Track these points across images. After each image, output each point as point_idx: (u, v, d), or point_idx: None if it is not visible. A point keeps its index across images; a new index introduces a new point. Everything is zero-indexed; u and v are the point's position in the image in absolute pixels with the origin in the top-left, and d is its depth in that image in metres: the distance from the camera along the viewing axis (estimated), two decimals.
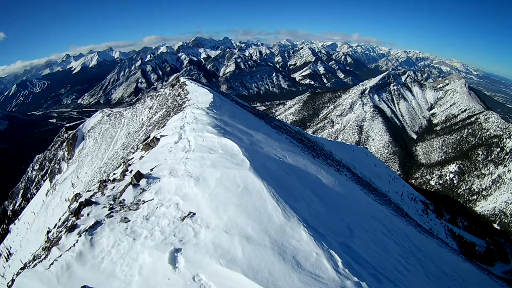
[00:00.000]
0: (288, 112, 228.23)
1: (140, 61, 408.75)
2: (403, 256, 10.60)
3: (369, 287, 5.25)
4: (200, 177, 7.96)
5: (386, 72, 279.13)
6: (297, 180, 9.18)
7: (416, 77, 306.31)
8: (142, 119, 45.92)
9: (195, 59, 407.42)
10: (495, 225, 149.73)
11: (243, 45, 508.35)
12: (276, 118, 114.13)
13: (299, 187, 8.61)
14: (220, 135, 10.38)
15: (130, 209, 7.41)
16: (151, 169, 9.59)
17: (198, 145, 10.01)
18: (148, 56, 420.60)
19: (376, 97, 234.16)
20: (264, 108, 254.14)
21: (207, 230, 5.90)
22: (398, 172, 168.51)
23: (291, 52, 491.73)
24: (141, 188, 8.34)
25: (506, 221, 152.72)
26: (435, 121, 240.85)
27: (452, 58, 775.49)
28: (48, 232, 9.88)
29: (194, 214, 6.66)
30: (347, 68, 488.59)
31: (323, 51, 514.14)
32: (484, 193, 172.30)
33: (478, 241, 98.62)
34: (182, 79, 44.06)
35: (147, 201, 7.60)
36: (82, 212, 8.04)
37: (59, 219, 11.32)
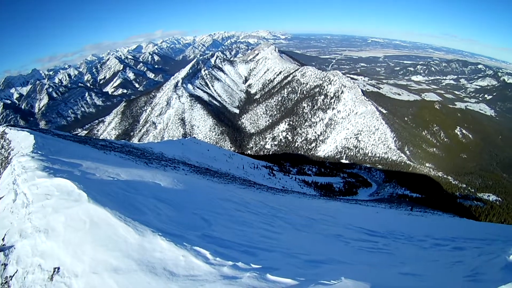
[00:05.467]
0: (109, 128, 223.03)
1: None
2: (266, 222, 10.92)
3: (246, 263, 5.40)
4: (48, 228, 7.34)
5: (194, 60, 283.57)
6: (138, 194, 9.03)
7: (225, 56, 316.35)
8: None
9: (9, 101, 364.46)
10: (344, 160, 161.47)
11: (51, 72, 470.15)
12: (100, 138, 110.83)
13: (142, 200, 8.48)
14: (51, 176, 9.87)
15: None
16: (3, 239, 8.81)
17: (34, 195, 9.43)
18: None
19: (190, 86, 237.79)
20: (86, 132, 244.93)
21: (77, 279, 5.53)
22: (232, 149, 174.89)
23: (99, 66, 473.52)
24: (2, 264, 7.73)
25: (352, 153, 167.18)
26: (253, 91, 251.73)
27: (258, 30, 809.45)
28: None
29: (58, 268, 6.18)
30: (156, 66, 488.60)
31: (130, 56, 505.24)
32: (321, 138, 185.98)
33: (333, 179, 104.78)
34: (1, 129, 41.03)
35: (13, 275, 6.98)
36: None
37: None
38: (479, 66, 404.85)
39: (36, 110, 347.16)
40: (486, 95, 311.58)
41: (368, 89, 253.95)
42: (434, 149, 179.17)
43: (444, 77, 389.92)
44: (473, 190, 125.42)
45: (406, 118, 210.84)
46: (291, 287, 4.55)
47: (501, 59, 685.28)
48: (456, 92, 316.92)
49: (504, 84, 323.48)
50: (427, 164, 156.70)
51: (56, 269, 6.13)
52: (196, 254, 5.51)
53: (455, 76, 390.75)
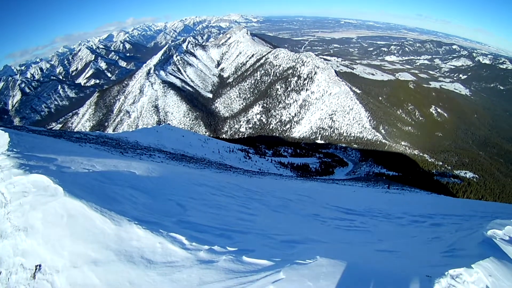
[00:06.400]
0: (83, 120, 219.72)
1: None
2: (242, 205, 10.94)
3: (221, 247, 5.48)
4: (27, 226, 7.24)
5: (166, 46, 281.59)
6: (113, 184, 8.95)
7: (197, 41, 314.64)
8: None
9: None
10: (319, 141, 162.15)
11: (23, 67, 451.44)
12: (75, 130, 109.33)
13: (118, 190, 8.42)
14: (27, 173, 9.73)
15: None
16: None
17: (12, 194, 9.29)
18: None
19: (162, 72, 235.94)
20: (60, 125, 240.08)
21: (58, 274, 5.53)
22: (207, 133, 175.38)
23: (70, 58, 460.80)
24: None
25: (327, 134, 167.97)
26: (225, 75, 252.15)
27: (230, 13, 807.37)
28: None
29: (40, 266, 6.14)
30: (128, 54, 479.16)
31: (101, 46, 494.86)
32: (295, 119, 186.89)
33: (309, 160, 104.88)
34: None
35: None
36: None
37: None
38: (454, 47, 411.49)
39: (10, 107, 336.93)
40: (461, 75, 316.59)
41: (341, 69, 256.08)
42: (410, 127, 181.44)
43: (418, 57, 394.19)
44: (449, 167, 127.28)
45: (380, 98, 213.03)
46: (266, 268, 4.62)
47: (476, 40, 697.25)
48: (431, 72, 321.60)
49: (479, 64, 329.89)
50: (402, 143, 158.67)
51: (38, 267, 6.12)
52: (172, 240, 5.55)
53: (429, 56, 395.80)
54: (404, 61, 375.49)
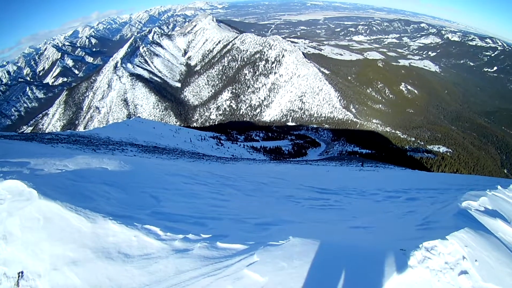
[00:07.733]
0: (54, 120, 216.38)
1: None
2: (215, 191, 10.96)
3: (196, 234, 5.58)
4: (6, 233, 7.12)
5: (132, 38, 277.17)
6: (86, 181, 8.87)
7: (162, 31, 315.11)
8: None
9: None
10: (290, 123, 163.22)
11: None
12: (46, 132, 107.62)
13: (91, 187, 8.33)
14: (1, 180, 9.59)
15: None
16: None
17: None
18: None
19: (129, 65, 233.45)
20: (31, 128, 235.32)
21: (41, 279, 5.46)
22: (178, 123, 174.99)
23: (37, 58, 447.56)
24: None
25: (297, 115, 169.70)
26: (193, 63, 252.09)
27: (195, 1, 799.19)
28: None
29: (22, 272, 6.11)
30: (94, 50, 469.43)
31: (67, 43, 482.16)
32: (265, 103, 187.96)
33: (282, 142, 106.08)
34: None
35: None
36: None
37: None
38: (422, 25, 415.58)
39: None
40: (430, 52, 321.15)
41: (309, 51, 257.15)
42: (380, 105, 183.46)
43: (386, 36, 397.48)
44: (422, 143, 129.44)
45: (349, 77, 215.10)
46: (240, 252, 4.72)
47: (445, 18, 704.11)
48: (399, 50, 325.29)
49: (448, 42, 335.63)
50: (374, 121, 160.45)
51: (20, 274, 6.11)
52: (147, 232, 5.60)
53: (398, 35, 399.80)
54: (372, 41, 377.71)
